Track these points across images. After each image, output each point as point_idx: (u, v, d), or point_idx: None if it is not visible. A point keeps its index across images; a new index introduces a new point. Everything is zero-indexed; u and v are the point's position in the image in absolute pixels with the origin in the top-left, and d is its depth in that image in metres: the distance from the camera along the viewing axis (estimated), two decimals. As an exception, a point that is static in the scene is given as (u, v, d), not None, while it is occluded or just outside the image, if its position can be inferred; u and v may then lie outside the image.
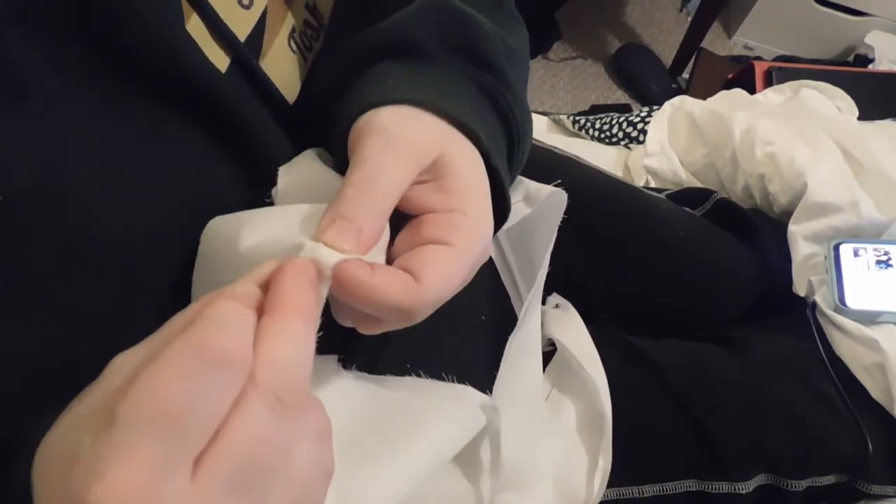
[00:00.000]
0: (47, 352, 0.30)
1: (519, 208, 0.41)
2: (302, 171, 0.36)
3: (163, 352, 0.23)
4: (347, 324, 0.32)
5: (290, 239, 0.29)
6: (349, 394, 0.37)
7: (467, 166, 0.33)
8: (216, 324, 0.24)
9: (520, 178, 0.44)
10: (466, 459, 0.43)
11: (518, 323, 0.45)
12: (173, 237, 0.34)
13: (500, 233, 0.50)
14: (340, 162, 0.35)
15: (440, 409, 0.38)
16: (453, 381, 0.41)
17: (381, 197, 0.29)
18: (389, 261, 0.31)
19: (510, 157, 0.39)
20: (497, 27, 0.40)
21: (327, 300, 0.29)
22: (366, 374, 0.39)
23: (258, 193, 0.36)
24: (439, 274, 0.30)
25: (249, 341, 0.24)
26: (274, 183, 0.36)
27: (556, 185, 0.42)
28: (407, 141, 0.31)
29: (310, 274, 0.27)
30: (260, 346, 0.24)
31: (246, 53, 0.35)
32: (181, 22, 0.32)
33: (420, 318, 0.30)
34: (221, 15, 0.34)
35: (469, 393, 0.40)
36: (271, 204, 0.35)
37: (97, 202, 0.30)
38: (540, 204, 0.41)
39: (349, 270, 0.28)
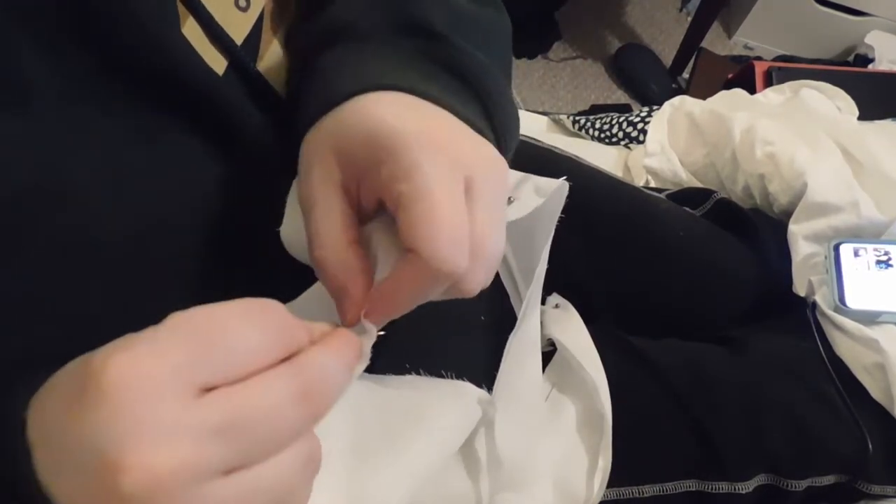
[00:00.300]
0: (47, 351, 0.30)
1: (531, 199, 0.41)
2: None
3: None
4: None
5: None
6: (350, 394, 0.37)
7: (366, 123, 0.30)
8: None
9: (525, 174, 0.44)
10: (465, 459, 0.43)
11: (517, 322, 0.45)
12: (172, 237, 0.34)
13: None
14: None
15: (439, 404, 0.38)
16: (451, 378, 0.41)
17: (334, 261, 0.30)
18: None
19: (488, 112, 0.37)
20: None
21: None
22: (364, 374, 0.39)
23: (256, 194, 0.36)
24: (427, 223, 0.28)
25: (311, 330, 0.26)
26: (272, 184, 0.36)
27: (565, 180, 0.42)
28: (312, 180, 0.31)
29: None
30: (317, 346, 0.26)
31: (243, 57, 0.35)
32: (177, 25, 0.32)
33: (459, 260, 0.29)
34: (218, 18, 0.34)
35: (466, 388, 0.40)
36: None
37: (96, 203, 0.30)
38: (547, 197, 0.41)
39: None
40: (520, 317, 0.45)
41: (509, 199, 0.40)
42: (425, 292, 0.29)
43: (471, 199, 0.30)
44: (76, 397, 0.22)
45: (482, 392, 0.41)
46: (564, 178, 0.42)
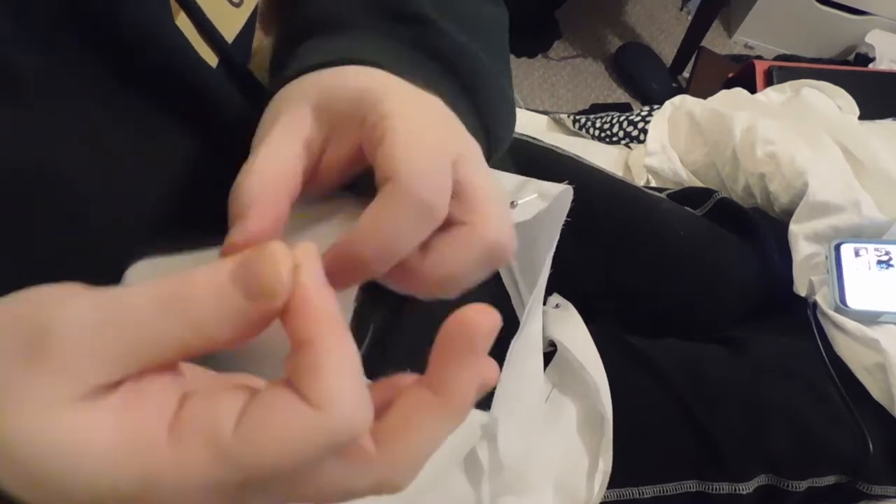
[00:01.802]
0: None
1: (534, 203, 0.40)
2: None
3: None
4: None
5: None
6: None
7: (356, 81, 0.29)
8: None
9: (527, 178, 0.44)
10: (466, 463, 0.43)
11: (520, 327, 0.45)
12: (161, 229, 0.34)
13: None
14: None
15: None
16: None
17: (249, 191, 0.27)
18: None
19: (476, 104, 0.36)
20: None
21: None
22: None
23: None
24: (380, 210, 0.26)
25: None
26: None
27: (567, 184, 0.42)
28: (271, 133, 0.28)
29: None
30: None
31: (232, 54, 0.35)
32: (170, 17, 0.32)
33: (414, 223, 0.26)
34: (210, 13, 0.33)
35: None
36: None
37: (84, 193, 0.30)
38: (550, 202, 0.40)
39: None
40: (522, 322, 0.45)
41: (512, 203, 0.40)
42: (408, 229, 0.25)
43: (462, 165, 0.27)
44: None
45: (482, 414, 0.40)
46: (567, 182, 0.41)
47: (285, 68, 0.33)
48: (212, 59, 0.34)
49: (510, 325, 0.52)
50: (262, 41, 0.38)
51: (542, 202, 0.40)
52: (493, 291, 0.53)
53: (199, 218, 0.35)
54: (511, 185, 0.43)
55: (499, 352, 0.45)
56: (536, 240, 0.46)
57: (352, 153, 0.29)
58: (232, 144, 0.36)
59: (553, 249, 0.45)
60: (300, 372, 0.20)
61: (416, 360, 0.40)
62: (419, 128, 0.27)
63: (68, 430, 0.19)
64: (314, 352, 0.20)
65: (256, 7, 0.37)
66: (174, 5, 0.32)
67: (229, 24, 0.35)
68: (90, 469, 0.19)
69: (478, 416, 0.40)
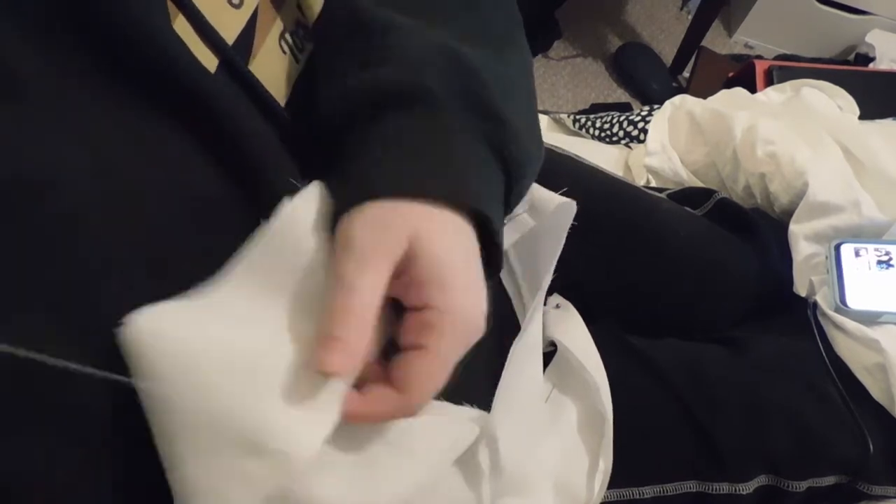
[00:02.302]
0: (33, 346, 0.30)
1: (523, 220, 0.41)
2: (302, 220, 0.35)
3: None
4: None
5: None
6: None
7: (442, 252, 0.33)
8: None
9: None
10: (466, 465, 0.43)
11: (521, 332, 0.45)
12: (157, 232, 0.34)
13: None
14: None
15: (431, 433, 0.37)
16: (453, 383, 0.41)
17: (363, 313, 0.31)
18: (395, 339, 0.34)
19: (507, 199, 0.39)
20: (494, 56, 0.39)
21: None
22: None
23: (246, 194, 0.36)
24: (419, 380, 0.32)
25: None
26: (260, 183, 0.36)
27: (563, 193, 0.42)
28: (377, 247, 0.32)
29: None
30: None
31: (233, 56, 0.35)
32: (167, 21, 0.31)
33: (413, 414, 0.33)
34: (209, 15, 0.33)
35: (462, 413, 0.39)
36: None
37: (80, 196, 0.30)
38: (548, 215, 0.41)
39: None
40: (524, 325, 0.45)
41: None
42: (378, 417, 0.34)
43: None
44: None
45: (481, 414, 0.40)
46: (567, 182, 0.42)
47: (360, 161, 0.35)
48: (212, 60, 0.34)
49: (510, 327, 0.52)
50: (262, 43, 0.38)
51: (531, 219, 0.41)
52: (494, 294, 0.52)
53: (197, 219, 0.35)
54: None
55: (499, 353, 0.45)
56: (539, 246, 0.46)
57: (392, 289, 0.33)
58: (232, 150, 0.36)
59: (556, 259, 0.45)
60: None
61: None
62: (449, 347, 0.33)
63: None
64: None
65: (257, 8, 0.37)
66: (172, 8, 0.32)
67: (229, 26, 0.35)
68: None
69: (475, 415, 0.40)
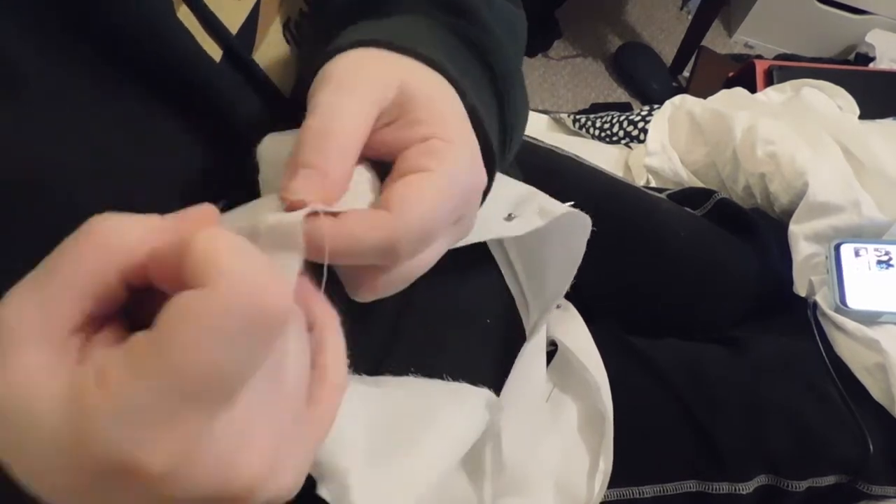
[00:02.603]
0: None
1: (532, 220, 0.41)
2: (281, 149, 0.32)
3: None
4: (357, 296, 0.29)
5: (252, 219, 0.25)
6: (360, 398, 0.36)
7: (437, 95, 0.30)
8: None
9: (534, 190, 0.44)
10: (468, 464, 0.43)
11: (528, 336, 0.45)
12: None
13: (506, 240, 0.50)
14: None
15: (450, 407, 0.38)
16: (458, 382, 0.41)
17: (342, 136, 0.27)
18: None
19: (502, 117, 0.37)
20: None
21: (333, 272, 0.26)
22: (372, 378, 0.39)
23: (247, 183, 0.36)
24: (413, 198, 0.27)
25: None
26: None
27: (566, 199, 0.42)
28: (360, 79, 0.29)
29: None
30: None
31: (237, 46, 0.35)
32: (171, 11, 0.31)
33: (404, 252, 0.27)
34: (212, 5, 0.33)
35: (474, 391, 0.40)
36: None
37: (81, 193, 0.30)
38: (554, 219, 0.41)
39: (311, 225, 0.25)
40: (529, 333, 0.45)
41: (510, 215, 0.40)
42: (363, 248, 0.26)
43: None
44: None
45: (489, 394, 0.41)
46: (573, 200, 0.41)
47: (350, 30, 0.33)
48: (216, 51, 0.34)
49: (514, 327, 0.52)
50: (266, 33, 0.38)
51: (540, 220, 0.40)
52: (496, 293, 0.53)
53: None
54: (517, 194, 0.43)
55: (504, 353, 0.45)
56: (545, 252, 0.46)
57: (384, 140, 0.29)
58: (235, 141, 0.36)
59: (572, 276, 0.45)
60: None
61: (420, 355, 0.39)
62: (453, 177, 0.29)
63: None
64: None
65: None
66: None
67: (233, 16, 0.35)
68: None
69: (484, 394, 0.40)
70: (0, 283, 0.28)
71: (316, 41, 0.38)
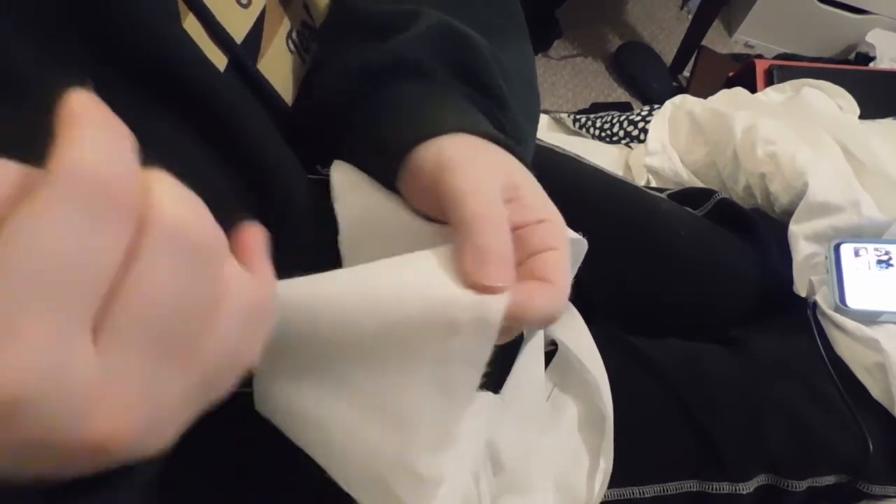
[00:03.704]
0: None
1: None
2: (356, 183, 0.36)
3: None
4: None
5: (442, 298, 0.29)
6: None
7: (528, 180, 0.34)
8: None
9: None
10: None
11: (525, 337, 0.45)
12: None
13: None
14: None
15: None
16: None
17: (503, 222, 0.31)
18: None
19: None
20: (497, 41, 0.40)
21: None
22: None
23: (253, 192, 0.36)
24: (563, 274, 0.32)
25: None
26: (267, 182, 0.36)
27: (564, 197, 0.42)
28: (487, 168, 0.33)
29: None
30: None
31: (242, 55, 0.35)
32: (178, 20, 0.32)
33: (559, 317, 0.32)
34: (218, 15, 0.33)
35: (480, 395, 0.40)
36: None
37: None
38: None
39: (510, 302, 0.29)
40: (527, 334, 0.45)
41: None
42: (535, 316, 0.31)
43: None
44: None
45: (489, 394, 0.41)
46: (574, 201, 0.42)
47: (397, 113, 0.36)
48: (221, 60, 0.34)
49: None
50: (270, 42, 0.38)
51: None
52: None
53: None
54: None
55: (504, 353, 0.45)
56: None
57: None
58: (239, 150, 0.36)
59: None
60: None
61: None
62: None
63: None
64: None
65: (265, 8, 0.37)
66: (183, 7, 0.32)
67: (238, 25, 0.35)
68: None
69: (490, 397, 0.40)
70: None
71: (347, 78, 0.39)
